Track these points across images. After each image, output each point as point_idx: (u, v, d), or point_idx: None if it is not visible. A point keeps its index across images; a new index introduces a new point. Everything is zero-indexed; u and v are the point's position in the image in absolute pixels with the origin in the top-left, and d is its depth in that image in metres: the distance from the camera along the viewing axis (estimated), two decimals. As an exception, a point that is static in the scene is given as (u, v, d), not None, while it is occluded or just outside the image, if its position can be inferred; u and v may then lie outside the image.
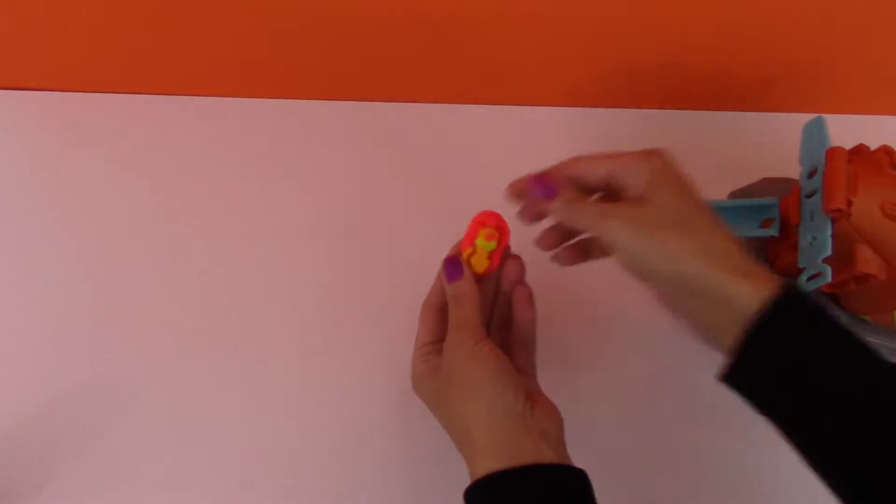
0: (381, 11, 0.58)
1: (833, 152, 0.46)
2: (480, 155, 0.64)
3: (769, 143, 0.60)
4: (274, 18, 0.58)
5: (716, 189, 0.54)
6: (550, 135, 0.65)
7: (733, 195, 0.54)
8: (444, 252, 0.57)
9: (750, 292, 0.38)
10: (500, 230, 0.46)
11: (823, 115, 0.49)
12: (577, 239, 0.46)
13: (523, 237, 0.46)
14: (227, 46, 0.61)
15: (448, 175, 0.62)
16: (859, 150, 0.47)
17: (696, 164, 0.63)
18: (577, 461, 0.50)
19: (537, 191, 0.43)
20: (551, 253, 0.46)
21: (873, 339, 0.47)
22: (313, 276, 0.57)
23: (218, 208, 0.60)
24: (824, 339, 0.38)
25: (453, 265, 0.46)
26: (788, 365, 0.37)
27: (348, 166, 0.63)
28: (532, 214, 0.45)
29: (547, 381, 0.53)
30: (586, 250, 0.46)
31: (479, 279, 0.46)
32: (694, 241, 0.39)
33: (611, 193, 0.43)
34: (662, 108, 0.67)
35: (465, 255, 0.46)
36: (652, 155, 0.42)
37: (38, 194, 0.60)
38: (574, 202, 0.42)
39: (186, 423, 0.50)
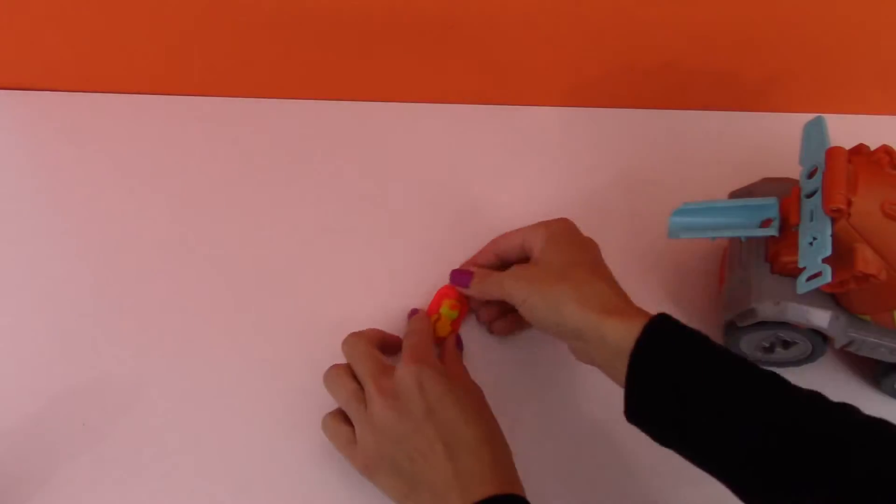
0: (380, 11, 0.58)
1: (833, 152, 0.46)
2: (480, 155, 0.64)
3: (769, 143, 0.60)
4: (274, 18, 0.58)
5: (716, 189, 0.55)
6: (550, 135, 0.65)
7: (733, 195, 0.54)
8: (446, 250, 0.57)
9: (619, 330, 0.42)
10: (461, 302, 0.53)
11: (823, 115, 0.49)
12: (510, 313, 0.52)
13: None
14: (227, 46, 0.61)
15: (448, 175, 0.62)
16: (859, 150, 0.47)
17: (696, 164, 0.64)
18: (576, 462, 0.50)
19: (456, 282, 0.52)
20: (488, 325, 0.54)
21: (873, 339, 0.47)
22: (314, 277, 0.57)
23: (218, 208, 0.60)
24: (697, 360, 0.41)
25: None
26: (670, 391, 0.40)
27: (348, 166, 0.63)
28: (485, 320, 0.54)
29: (545, 383, 0.53)
30: (518, 320, 0.51)
31: (439, 342, 0.52)
32: (570, 289, 0.44)
33: (525, 260, 0.50)
34: (662, 108, 0.67)
35: (430, 320, 0.52)
36: (551, 222, 0.50)
37: (38, 194, 0.60)
38: (482, 279, 0.50)
39: (187, 423, 0.50)
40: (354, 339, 0.49)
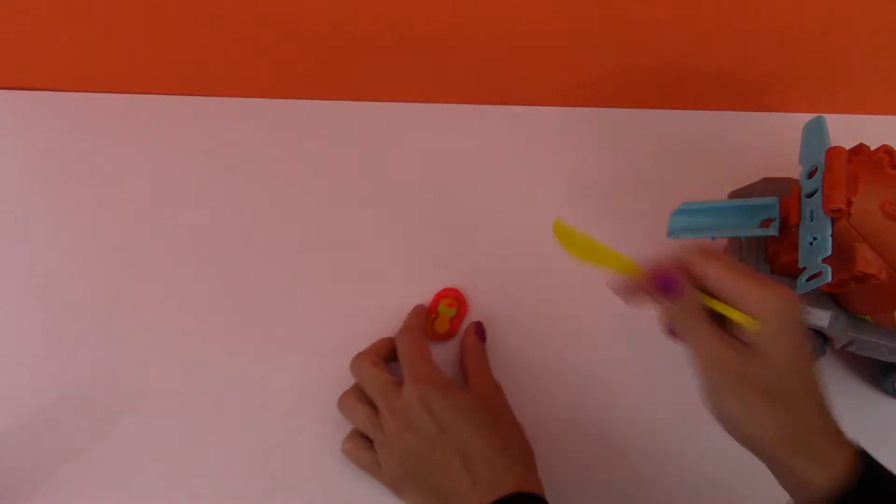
0: (381, 12, 0.58)
1: (833, 152, 0.45)
2: (480, 155, 0.64)
3: (769, 143, 0.60)
4: (274, 18, 0.58)
5: (716, 189, 0.55)
6: (550, 135, 0.65)
7: (733, 195, 0.54)
8: (446, 250, 0.57)
9: (819, 478, 0.36)
10: (459, 301, 0.54)
11: (823, 115, 0.49)
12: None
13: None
14: (226, 46, 0.61)
15: (448, 175, 0.62)
16: (859, 150, 0.47)
17: (696, 164, 0.64)
18: (576, 464, 0.50)
19: (658, 283, 0.39)
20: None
21: (873, 339, 0.47)
22: (313, 276, 0.57)
23: (217, 208, 0.60)
24: None
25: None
26: None
27: (348, 166, 0.63)
28: (630, 297, 0.42)
29: (544, 383, 0.53)
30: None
31: (441, 339, 0.53)
32: (777, 417, 0.37)
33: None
34: (662, 108, 0.67)
35: (429, 319, 0.54)
36: (782, 297, 0.38)
37: (37, 194, 0.60)
38: (691, 316, 0.39)
39: (187, 423, 0.50)
40: (359, 362, 0.50)
